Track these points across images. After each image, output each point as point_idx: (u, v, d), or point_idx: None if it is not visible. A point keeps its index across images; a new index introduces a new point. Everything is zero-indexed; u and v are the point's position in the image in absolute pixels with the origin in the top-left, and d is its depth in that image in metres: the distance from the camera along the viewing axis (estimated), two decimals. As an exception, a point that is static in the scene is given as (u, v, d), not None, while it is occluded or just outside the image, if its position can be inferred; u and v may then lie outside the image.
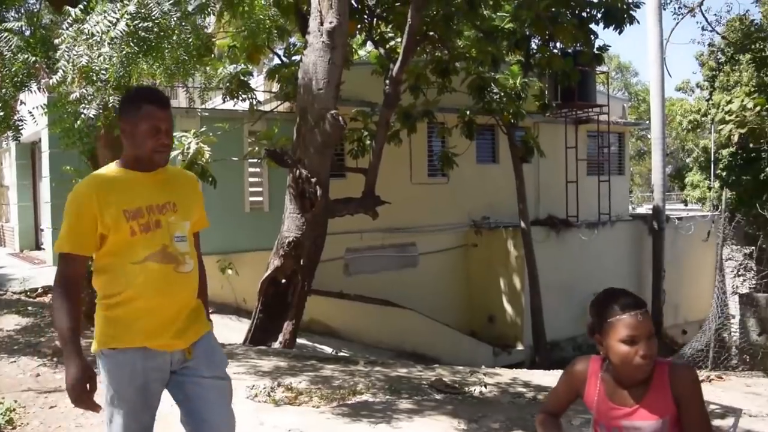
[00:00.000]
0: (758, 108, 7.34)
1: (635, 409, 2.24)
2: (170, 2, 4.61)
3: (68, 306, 2.29)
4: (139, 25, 4.27)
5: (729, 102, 7.81)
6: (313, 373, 6.16)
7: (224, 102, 9.89)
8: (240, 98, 9.72)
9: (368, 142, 10.38)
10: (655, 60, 15.07)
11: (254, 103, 9.88)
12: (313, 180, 8.58)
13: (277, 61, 11.04)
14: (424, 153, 14.00)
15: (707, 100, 10.21)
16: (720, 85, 14.54)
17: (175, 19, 4.69)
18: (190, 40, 5.11)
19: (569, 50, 13.20)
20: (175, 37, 4.76)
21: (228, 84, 9.53)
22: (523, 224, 12.98)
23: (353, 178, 10.25)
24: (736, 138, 8.64)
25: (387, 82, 9.35)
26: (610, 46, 12.89)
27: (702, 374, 7.53)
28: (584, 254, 14.72)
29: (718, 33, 11.63)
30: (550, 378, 7.03)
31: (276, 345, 8.25)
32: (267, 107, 11.57)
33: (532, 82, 13.09)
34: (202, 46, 6.09)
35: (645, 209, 21.19)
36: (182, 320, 2.47)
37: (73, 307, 2.30)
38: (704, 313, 14.56)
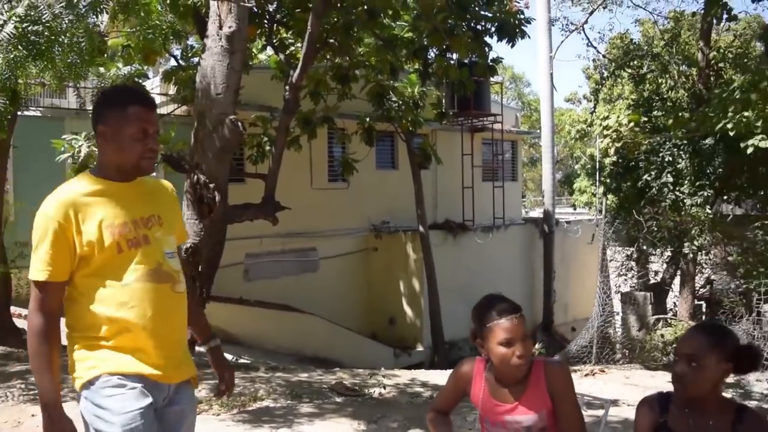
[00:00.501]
0: (632, 124, 7.96)
1: (515, 406, 2.43)
2: (62, 4, 4.44)
3: (48, 350, 1.98)
4: (29, 29, 4.09)
5: (606, 118, 8.42)
6: (213, 381, 6.09)
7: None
8: (134, 101, 9.40)
9: (268, 147, 10.33)
10: (544, 73, 15.90)
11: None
12: (212, 185, 8.44)
13: (174, 62, 10.78)
14: (325, 158, 14.10)
15: (591, 112, 10.92)
16: (604, 97, 15.56)
17: (66, 21, 4.53)
18: (83, 43, 4.95)
19: (465, 61, 13.70)
20: (66, 40, 4.59)
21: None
22: (421, 228, 13.31)
23: (253, 183, 10.16)
24: (612, 151, 9.32)
25: (287, 87, 9.36)
26: (503, 58, 13.51)
27: (586, 368, 8.06)
28: (480, 257, 15.28)
29: (598, 51, 12.46)
30: (446, 377, 7.29)
31: (174, 353, 8.08)
32: (164, 110, 11.27)
33: (430, 90, 13.47)
34: (95, 49, 5.88)
35: (537, 213, 22.24)
36: (182, 349, 2.25)
37: (55, 351, 2.00)
38: (591, 311, 15.53)
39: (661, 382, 7.18)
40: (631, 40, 13.99)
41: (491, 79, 16.07)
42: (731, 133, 6.40)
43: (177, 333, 2.20)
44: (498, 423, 2.47)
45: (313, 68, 11.19)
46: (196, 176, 8.45)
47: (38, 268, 2.01)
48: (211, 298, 9.70)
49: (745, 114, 5.43)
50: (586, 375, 7.39)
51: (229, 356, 10.12)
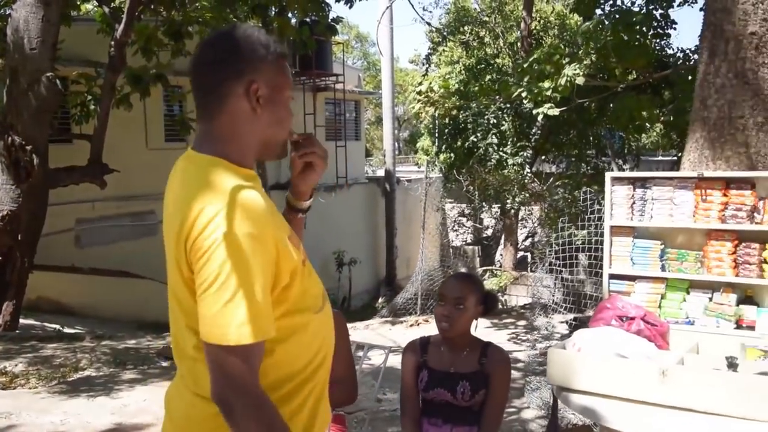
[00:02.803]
0: (442, 90, 8.46)
1: None
2: None
3: (285, 425, 1.35)
4: None
5: (420, 83, 8.89)
6: (32, 354, 5.87)
7: None
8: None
9: (93, 106, 9.77)
10: (385, 35, 16.24)
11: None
12: (29, 148, 7.92)
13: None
14: (161, 118, 13.53)
15: (423, 75, 11.42)
16: (446, 60, 16.18)
17: None
18: None
19: (307, 20, 13.66)
20: None
21: None
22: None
23: (81, 144, 9.62)
24: (423, 115, 9.85)
25: (112, 43, 8.89)
26: (342, 18, 13.55)
27: (411, 319, 8.61)
28: (324, 216, 15.52)
29: (423, 19, 12.80)
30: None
31: (-5, 328, 7.61)
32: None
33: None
34: None
35: (384, 172, 22.91)
36: None
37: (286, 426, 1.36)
38: (431, 264, 16.41)
39: (479, 327, 7.84)
40: (463, 7, 14.69)
41: (335, 38, 16.20)
42: (525, 101, 7.08)
43: None
44: None
45: (143, 23, 10.66)
46: (10, 138, 7.91)
47: (247, 324, 1.29)
48: (38, 267, 9.20)
49: (540, 84, 6.03)
50: (411, 326, 7.92)
51: (55, 326, 9.71)
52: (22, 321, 8.25)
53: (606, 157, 11.08)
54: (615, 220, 3.19)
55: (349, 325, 8.91)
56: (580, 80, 5.67)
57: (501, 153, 10.83)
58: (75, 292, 11.73)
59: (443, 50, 14.03)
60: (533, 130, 11.40)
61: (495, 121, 10.79)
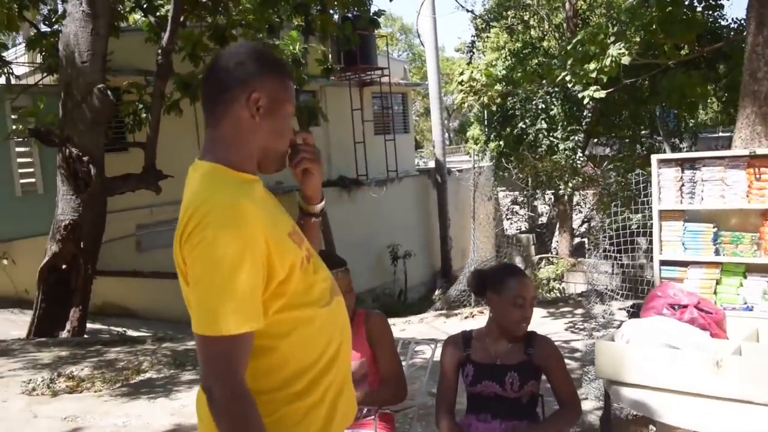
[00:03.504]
0: (484, 79, 8.30)
1: None
2: None
3: (261, 426, 1.41)
4: None
5: (461, 73, 8.73)
6: (96, 358, 6.08)
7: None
8: (-7, 73, 8.90)
9: (144, 115, 10.03)
10: (428, 24, 16.10)
11: (10, 77, 9.08)
12: (85, 158, 8.20)
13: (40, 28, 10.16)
14: (212, 121, 13.80)
15: (468, 63, 11.24)
16: (492, 46, 15.91)
17: None
18: None
19: (349, 15, 13.69)
20: None
21: (-24, 59, 8.66)
22: (314, 187, 13.38)
23: (136, 152, 9.90)
24: (466, 105, 9.70)
25: (159, 51, 9.10)
26: (384, 11, 13.52)
27: (465, 311, 8.53)
28: (376, 210, 15.57)
29: (463, 7, 12.62)
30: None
31: (64, 334, 7.89)
32: (32, 80, 10.68)
33: (315, 47, 13.39)
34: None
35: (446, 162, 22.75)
36: None
37: (263, 428, 1.42)
38: (487, 254, 16.23)
39: (535, 318, 7.72)
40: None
41: (379, 32, 16.18)
42: (569, 85, 6.87)
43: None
44: None
45: (188, 29, 10.87)
46: (68, 150, 8.19)
47: (232, 316, 1.37)
48: (102, 273, 9.54)
49: (585, 66, 5.83)
50: (466, 317, 7.85)
51: (120, 329, 10.03)
52: (89, 326, 8.57)
53: (659, 136, 10.70)
54: (664, 204, 3.07)
55: (403, 319, 8.91)
56: (625, 60, 5.46)
57: (551, 138, 10.60)
58: (138, 295, 12.12)
59: (487, 37, 13.81)
60: (584, 114, 11.12)
61: (543, 106, 10.56)
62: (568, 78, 6.22)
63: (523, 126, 10.63)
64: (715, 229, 2.98)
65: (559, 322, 7.19)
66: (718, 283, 2.96)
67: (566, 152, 10.51)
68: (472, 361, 2.50)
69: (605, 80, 5.99)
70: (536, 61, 10.21)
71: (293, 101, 1.61)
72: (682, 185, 3.02)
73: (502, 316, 2.52)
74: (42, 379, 5.35)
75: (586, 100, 6.70)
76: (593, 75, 5.67)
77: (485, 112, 12.61)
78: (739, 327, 2.71)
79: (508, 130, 11.29)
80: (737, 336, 2.65)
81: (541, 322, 7.36)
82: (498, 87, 8.77)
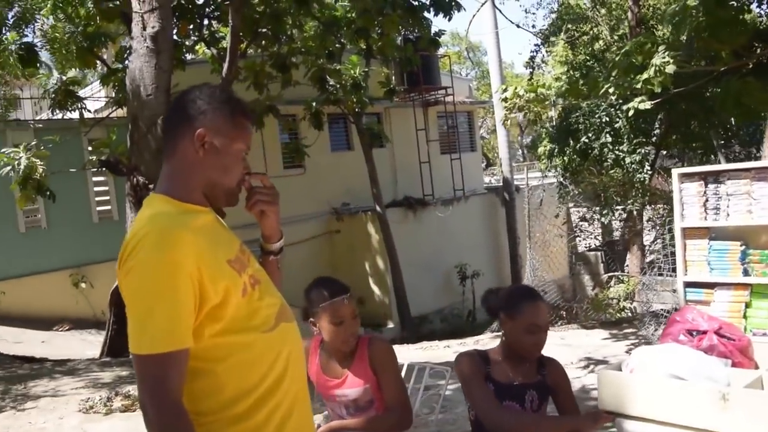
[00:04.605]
0: (529, 95, 8.09)
1: (343, 380, 2.62)
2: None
3: None
4: None
5: (504, 90, 8.53)
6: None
7: (53, 114, 9.63)
8: (69, 109, 9.46)
9: (209, 142, 10.38)
10: (491, 40, 15.97)
11: (83, 112, 9.65)
12: (151, 186, 8.55)
13: (110, 64, 10.77)
14: (278, 146, 14.15)
15: (529, 79, 11.02)
16: (560, 60, 15.58)
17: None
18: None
19: (411, 37, 13.79)
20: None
21: (54, 96, 9.25)
22: (378, 208, 13.46)
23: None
24: (509, 122, 9.47)
25: (221, 82, 9.42)
26: (444, 32, 13.53)
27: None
28: (442, 230, 15.46)
29: (518, 25, 12.34)
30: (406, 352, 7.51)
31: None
32: (106, 113, 11.30)
33: (377, 69, 13.54)
34: None
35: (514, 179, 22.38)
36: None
37: None
38: (560, 273, 15.76)
39: (596, 339, 7.42)
40: (566, 4, 14.03)
41: (446, 50, 16.24)
42: (613, 97, 6.59)
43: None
44: (330, 397, 2.67)
45: (250, 58, 11.24)
46: (135, 178, 8.58)
47: (158, 335, 1.43)
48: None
49: (629, 77, 5.57)
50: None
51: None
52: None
53: (732, 145, 10.08)
54: (687, 221, 2.88)
55: (459, 341, 8.73)
56: (670, 68, 5.18)
57: (617, 152, 10.21)
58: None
59: (552, 51, 13.53)
60: (655, 125, 10.66)
61: (608, 118, 10.20)
62: (611, 90, 5.99)
63: (586, 140, 10.29)
64: (743, 248, 2.76)
65: (620, 345, 6.87)
66: (747, 306, 2.73)
67: (633, 165, 10.09)
68: (493, 380, 2.45)
69: (658, 90, 5.72)
70: (600, 73, 9.87)
71: (245, 140, 1.67)
72: (706, 200, 2.82)
73: (515, 341, 2.46)
74: (100, 398, 5.58)
75: (630, 113, 6.43)
76: (638, 86, 5.43)
77: (547, 127, 12.34)
78: None
79: (572, 144, 10.96)
80: (766, 364, 2.43)
81: (601, 344, 7.06)
82: (545, 102, 8.56)
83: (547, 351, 2.55)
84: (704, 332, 2.47)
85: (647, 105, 5.95)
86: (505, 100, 8.14)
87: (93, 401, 5.55)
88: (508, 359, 2.49)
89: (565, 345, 7.12)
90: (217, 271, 1.51)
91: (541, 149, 13.38)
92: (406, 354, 7.50)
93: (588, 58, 10.68)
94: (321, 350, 2.70)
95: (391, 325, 14.51)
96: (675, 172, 2.92)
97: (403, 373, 3.34)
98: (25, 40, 9.21)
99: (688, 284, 2.87)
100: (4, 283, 9.84)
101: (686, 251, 2.87)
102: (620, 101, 7.97)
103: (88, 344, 9.88)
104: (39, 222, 10.89)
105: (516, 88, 8.14)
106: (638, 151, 10.20)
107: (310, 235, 14.59)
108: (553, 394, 2.51)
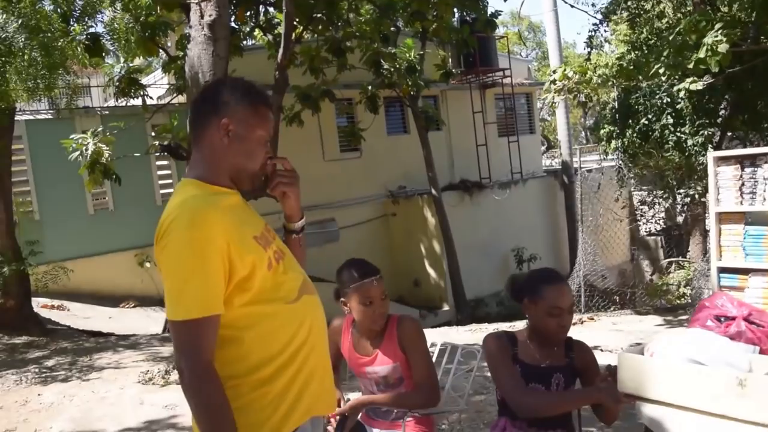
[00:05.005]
0: (577, 76, 7.86)
1: (373, 358, 2.71)
2: (14, 26, 4.79)
3: (224, 401, 1.59)
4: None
5: (554, 71, 8.29)
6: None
7: (117, 101, 10.01)
8: (132, 96, 9.85)
9: (265, 127, 10.60)
10: (550, 19, 15.63)
11: (145, 99, 10.02)
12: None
13: (171, 52, 11.11)
14: (334, 130, 14.31)
15: (587, 60, 10.73)
16: (624, 39, 15.08)
17: (22, 41, 4.87)
18: (39, 58, 5.30)
19: (467, 19, 13.65)
20: (22, 60, 4.95)
21: (118, 84, 9.63)
22: (433, 191, 13.46)
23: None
24: (557, 104, 9.22)
25: (276, 67, 9.61)
26: (501, 12, 13.33)
27: (574, 317, 8.17)
28: (499, 213, 15.34)
29: (569, 4, 12.00)
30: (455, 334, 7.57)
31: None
32: (168, 100, 11.69)
33: (433, 52, 13.49)
34: (56, 61, 6.22)
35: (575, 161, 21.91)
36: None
37: (228, 403, 1.60)
38: (620, 258, 15.42)
39: (649, 326, 7.28)
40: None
41: (505, 31, 15.99)
42: (663, 78, 6.34)
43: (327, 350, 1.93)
44: (361, 374, 2.76)
45: (306, 43, 11.38)
46: (193, 162, 8.90)
47: (193, 303, 1.59)
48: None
49: (681, 57, 5.35)
50: (574, 324, 7.50)
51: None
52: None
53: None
54: (723, 206, 2.81)
55: (509, 324, 8.71)
56: (722, 47, 4.95)
57: (678, 134, 9.88)
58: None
59: (616, 29, 13.13)
60: (722, 105, 10.24)
61: (669, 99, 9.87)
62: (661, 71, 5.79)
63: (646, 122, 9.99)
64: (780, 234, 2.69)
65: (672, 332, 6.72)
66: (783, 292, 2.67)
67: (695, 148, 9.75)
68: (520, 361, 2.47)
69: (715, 69, 5.49)
70: (666, 51, 9.52)
71: (266, 127, 1.80)
72: (742, 184, 2.74)
73: (539, 325, 2.48)
74: (158, 371, 5.87)
75: (681, 93, 6.20)
76: (690, 66, 5.24)
77: (606, 108, 12.04)
78: (799, 342, 2.43)
79: (632, 126, 10.66)
80: (797, 352, 2.37)
81: (654, 330, 6.92)
82: (594, 84, 8.33)
83: (598, 336, 2.54)
84: (732, 318, 2.43)
85: (699, 86, 5.75)
86: (553, 82, 7.98)
87: (152, 373, 5.84)
88: (535, 342, 2.50)
89: (617, 330, 7.02)
90: (243, 246, 1.66)
91: (602, 131, 13.07)
92: (455, 336, 7.55)
93: (649, 36, 10.31)
94: (353, 328, 2.79)
95: (446, 307, 14.55)
96: (710, 155, 2.85)
97: (436, 353, 3.41)
98: (90, 31, 9.58)
99: (722, 270, 2.81)
100: (75, 261, 10.37)
101: (721, 236, 2.81)
102: (674, 82, 7.68)
103: (152, 321, 10.33)
104: (106, 204, 11.42)
105: (564, 70, 7.97)
106: (701, 133, 9.84)
107: (366, 218, 14.74)
108: (582, 377, 2.51)
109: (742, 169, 2.74)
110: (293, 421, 1.72)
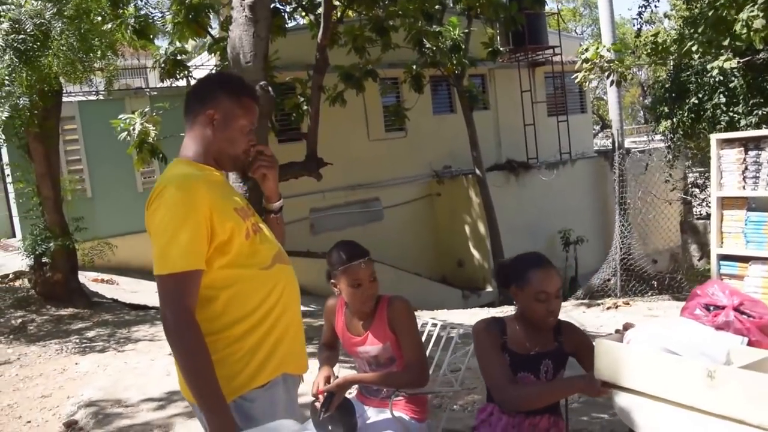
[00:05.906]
0: (609, 54, 7.56)
1: (364, 338, 2.76)
2: (51, 12, 4.98)
3: (204, 346, 1.78)
4: (12, 38, 4.65)
5: (586, 50, 7.98)
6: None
7: (162, 82, 10.27)
8: (177, 77, 10.08)
9: (305, 107, 10.71)
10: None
11: (189, 80, 10.23)
12: (250, 149, 9.02)
13: (216, 34, 11.30)
14: (379, 109, 14.30)
15: (636, 36, 10.33)
16: (682, 15, 14.44)
17: (58, 27, 5.07)
18: (75, 42, 5.50)
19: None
20: (63, 41, 5.15)
21: (163, 65, 9.87)
22: (478, 171, 13.34)
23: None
24: (587, 83, 8.87)
25: (316, 47, 9.67)
26: (549, -11, 12.98)
27: (609, 302, 8.00)
28: (546, 194, 15.09)
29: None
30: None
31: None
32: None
33: (483, 29, 13.28)
34: (100, 43, 6.43)
35: (628, 142, 21.29)
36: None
37: (207, 348, 1.79)
38: (672, 242, 14.94)
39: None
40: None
41: (560, 7, 15.60)
42: (695, 56, 6.04)
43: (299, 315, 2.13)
44: (353, 353, 2.81)
45: (349, 23, 11.39)
46: (235, 142, 9.08)
47: (178, 258, 1.79)
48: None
49: (717, 34, 5.09)
50: (608, 308, 7.36)
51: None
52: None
53: None
54: (725, 191, 2.71)
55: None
56: (758, 23, 4.67)
57: (731, 114, 9.46)
58: (310, 275, 12.95)
59: (676, 4, 12.61)
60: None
61: (722, 77, 9.45)
62: (694, 48, 5.54)
63: (696, 102, 9.60)
64: (782, 221, 2.57)
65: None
66: (783, 282, 2.55)
67: (749, 129, 9.32)
68: (509, 350, 2.47)
69: (760, 45, 5.21)
70: (701, 29, 9.09)
71: (248, 117, 2.05)
72: (745, 168, 2.63)
73: (527, 311, 2.46)
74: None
75: (714, 72, 5.91)
76: (725, 43, 4.99)
77: (655, 87, 11.60)
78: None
79: (684, 105, 10.27)
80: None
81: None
82: (627, 63, 8.00)
83: (630, 320, 2.48)
84: (722, 308, 2.35)
85: (733, 63, 5.48)
86: (586, 60, 7.75)
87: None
88: (524, 328, 2.49)
89: (651, 316, 6.86)
90: (224, 214, 1.89)
91: (660, 110, 12.63)
92: (484, 316, 7.47)
93: (702, 11, 9.87)
94: (345, 309, 2.84)
95: (489, 288, 14.48)
96: (713, 137, 2.74)
97: (435, 333, 3.43)
98: (141, 13, 9.84)
99: (723, 257, 2.71)
100: (125, 237, 10.77)
101: (723, 222, 2.71)
102: (751, 56, 7.24)
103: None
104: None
105: (597, 48, 7.72)
106: (755, 113, 9.39)
107: (411, 198, 14.75)
108: (577, 357, 2.49)
109: (746, 152, 2.63)
110: (264, 375, 1.92)
